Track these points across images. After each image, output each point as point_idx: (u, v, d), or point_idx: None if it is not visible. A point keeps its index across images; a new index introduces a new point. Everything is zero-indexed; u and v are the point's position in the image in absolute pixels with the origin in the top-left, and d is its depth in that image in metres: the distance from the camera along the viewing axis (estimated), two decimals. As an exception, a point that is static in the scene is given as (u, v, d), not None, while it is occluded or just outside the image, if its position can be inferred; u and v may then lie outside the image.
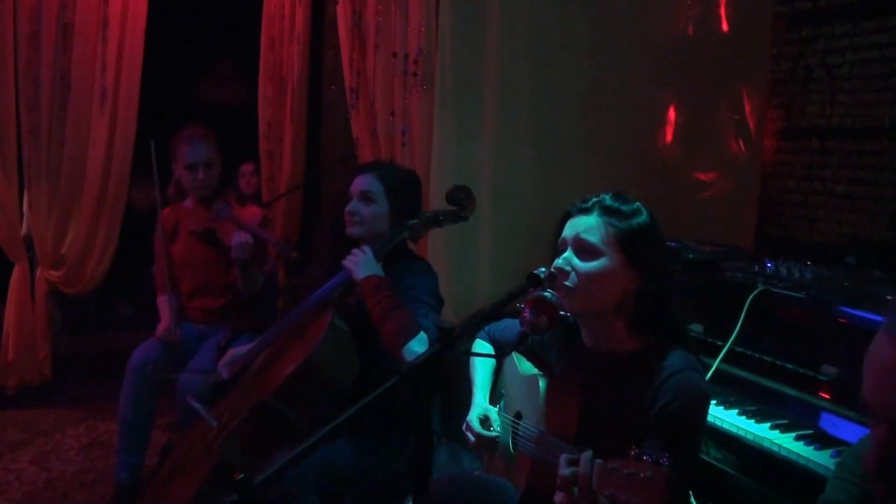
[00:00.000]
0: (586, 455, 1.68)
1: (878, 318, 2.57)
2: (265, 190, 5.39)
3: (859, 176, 4.16)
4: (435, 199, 3.40)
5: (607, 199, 2.12)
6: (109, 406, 4.37)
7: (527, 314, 1.99)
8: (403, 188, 3.06)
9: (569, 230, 2.13)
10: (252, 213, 3.93)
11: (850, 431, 2.51)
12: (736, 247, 3.67)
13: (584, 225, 2.09)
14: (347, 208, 2.99)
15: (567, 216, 2.18)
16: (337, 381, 2.82)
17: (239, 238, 3.58)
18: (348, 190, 3.04)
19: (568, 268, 2.06)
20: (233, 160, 5.69)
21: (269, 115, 5.23)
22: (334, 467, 2.72)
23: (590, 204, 2.13)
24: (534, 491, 2.17)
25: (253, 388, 2.95)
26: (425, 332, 2.66)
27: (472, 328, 1.81)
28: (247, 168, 5.84)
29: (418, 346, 2.63)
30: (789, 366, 2.74)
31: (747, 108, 4.41)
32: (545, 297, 1.99)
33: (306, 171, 5.27)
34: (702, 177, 4.34)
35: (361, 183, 3.01)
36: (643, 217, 2.11)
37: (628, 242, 2.06)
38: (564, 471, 1.71)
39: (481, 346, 2.63)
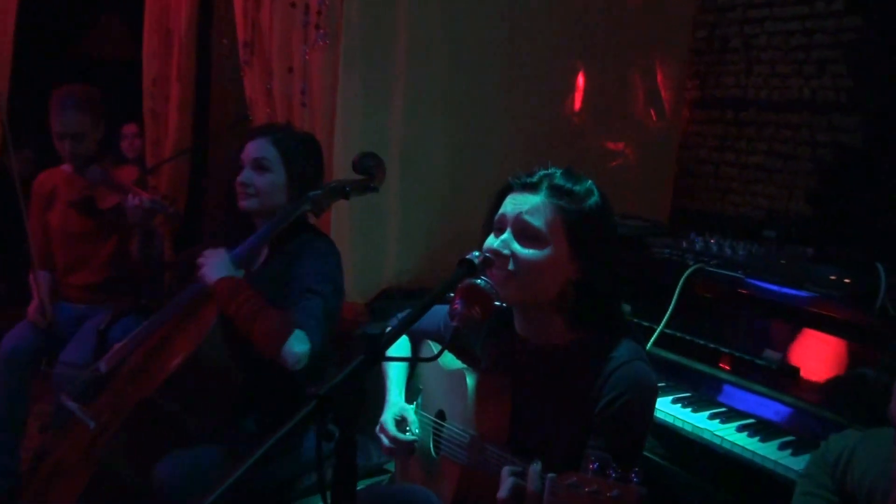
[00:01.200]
0: (534, 468, 1.45)
1: (820, 298, 2.49)
2: (149, 154, 4.98)
3: (776, 148, 4.10)
4: (338, 168, 3.10)
5: (557, 177, 1.86)
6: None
7: (458, 305, 1.71)
8: (302, 154, 2.74)
9: (510, 207, 1.86)
10: (127, 173, 3.62)
11: (794, 419, 2.40)
12: (657, 221, 3.55)
13: (529, 205, 1.83)
14: (239, 178, 2.67)
15: (507, 189, 1.91)
16: (227, 373, 2.55)
17: (133, 202, 3.25)
18: (239, 157, 2.71)
19: (507, 251, 1.81)
20: (119, 120, 5.31)
21: (154, 71, 4.81)
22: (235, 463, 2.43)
23: (536, 179, 1.86)
24: (464, 502, 1.92)
25: (135, 383, 2.64)
26: (302, 326, 2.38)
27: (400, 332, 1.53)
28: (129, 129, 5.44)
29: (297, 345, 2.35)
30: (726, 350, 2.60)
31: (663, 78, 4.34)
32: (478, 286, 1.72)
33: (194, 135, 4.88)
34: (615, 146, 4.27)
35: (254, 149, 2.69)
36: (595, 199, 1.86)
37: (576, 229, 1.82)
38: (507, 487, 1.47)
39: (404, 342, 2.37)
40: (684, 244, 3.05)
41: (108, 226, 3.50)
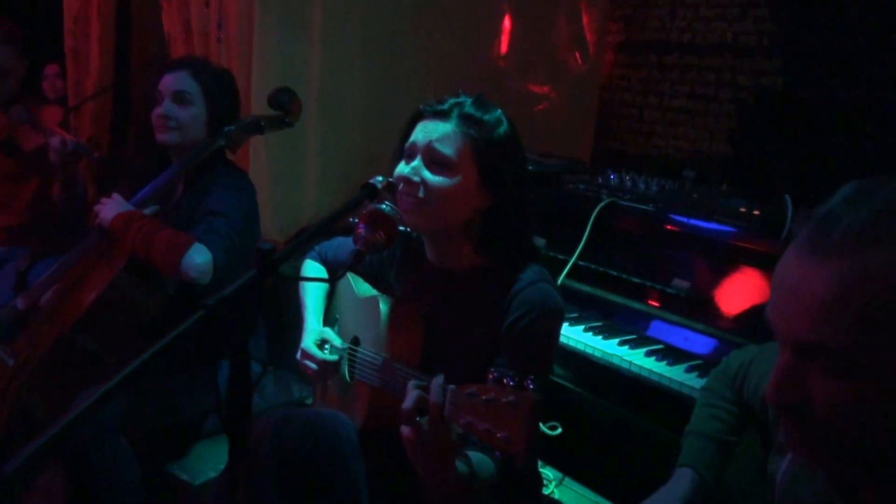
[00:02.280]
0: (437, 380, 1.49)
1: (729, 229, 2.53)
2: (71, 94, 4.85)
3: (698, 91, 4.15)
4: (256, 105, 3.07)
5: (468, 105, 1.89)
6: None
7: (361, 230, 1.74)
8: (221, 89, 2.73)
9: (420, 135, 1.88)
10: (51, 112, 3.55)
11: (701, 345, 2.46)
12: (576, 159, 3.57)
13: (439, 133, 1.85)
14: (159, 111, 2.63)
15: (418, 116, 1.93)
16: (144, 308, 2.53)
17: (54, 142, 3.15)
18: (157, 90, 2.66)
19: (417, 178, 1.84)
20: (39, 60, 5.15)
21: (74, 10, 4.68)
22: (138, 401, 2.44)
23: (447, 107, 1.89)
24: (374, 422, 1.97)
25: (53, 319, 2.60)
26: (201, 240, 2.39)
27: (296, 249, 1.54)
28: (51, 69, 5.25)
29: (197, 256, 2.36)
30: (636, 280, 2.66)
31: (586, 20, 4.33)
32: (382, 211, 1.75)
33: (115, 74, 4.77)
34: (538, 89, 4.27)
35: (174, 82, 2.65)
36: (504, 128, 1.90)
37: (485, 158, 1.85)
38: (411, 398, 1.51)
39: (312, 267, 2.38)
40: (600, 180, 3.09)
41: (31, 167, 3.44)
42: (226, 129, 2.62)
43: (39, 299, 2.69)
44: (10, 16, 3.65)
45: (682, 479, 1.73)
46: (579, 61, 4.36)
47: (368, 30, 3.41)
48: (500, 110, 1.93)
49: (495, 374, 1.39)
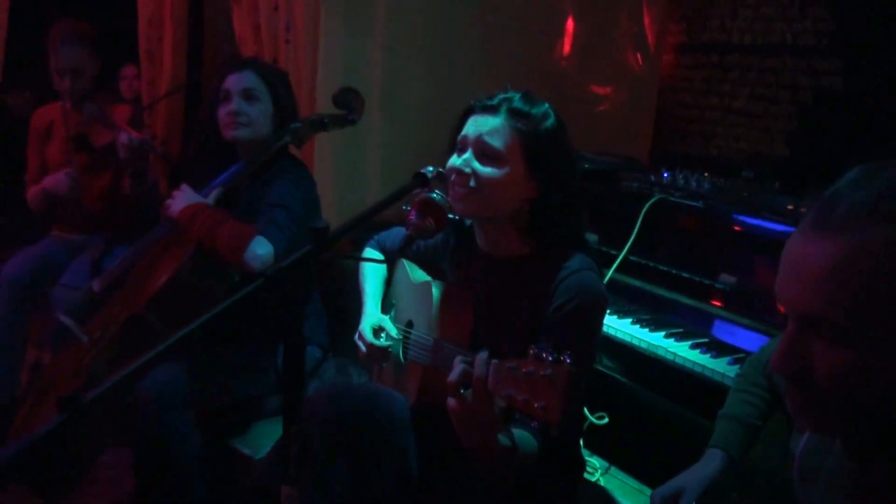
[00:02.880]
0: (481, 356, 1.57)
1: (777, 226, 2.56)
2: (145, 94, 5.05)
3: (758, 92, 4.14)
4: (321, 103, 3.18)
5: (516, 100, 1.98)
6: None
7: (412, 216, 1.86)
8: (283, 86, 2.86)
9: (471, 128, 1.99)
10: (121, 111, 3.68)
11: (746, 339, 2.50)
12: (632, 158, 3.62)
13: (489, 126, 1.96)
14: (230, 108, 2.75)
15: (469, 111, 2.04)
16: (209, 293, 2.66)
17: (122, 139, 3.30)
18: (221, 89, 2.79)
19: (468, 169, 1.94)
20: (115, 60, 5.32)
21: (148, 12, 4.87)
22: (203, 380, 2.58)
23: (496, 102, 1.99)
24: (425, 399, 2.07)
25: (125, 301, 2.76)
26: (262, 232, 2.53)
27: (350, 228, 1.64)
28: (128, 71, 5.45)
29: (259, 248, 2.51)
30: (685, 274, 2.71)
31: (647, 21, 4.34)
32: (432, 199, 1.86)
33: (188, 74, 4.95)
34: (598, 89, 4.28)
35: (242, 80, 2.78)
36: (551, 121, 1.99)
37: (533, 150, 1.95)
38: (457, 372, 1.60)
39: (371, 254, 2.50)
40: (653, 178, 3.14)
41: (102, 162, 3.56)
42: (292, 125, 2.73)
43: (114, 282, 2.85)
44: (89, 18, 3.79)
45: (712, 459, 1.81)
46: (640, 62, 4.38)
47: (430, 31, 3.49)
48: (547, 104, 2.02)
49: (535, 349, 1.48)
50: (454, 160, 1.98)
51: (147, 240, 2.82)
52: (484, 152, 1.94)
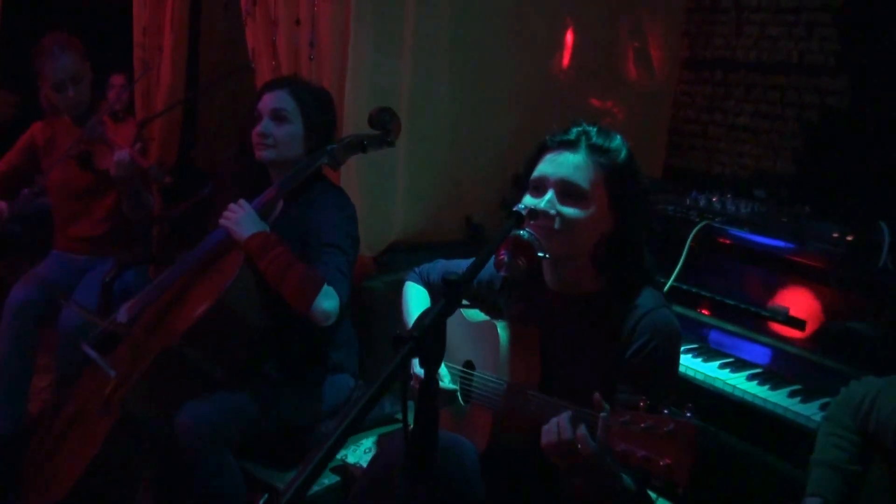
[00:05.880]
0: (603, 416, 1.53)
1: (823, 255, 2.57)
2: (139, 106, 4.91)
3: (763, 110, 4.17)
4: (349, 123, 3.11)
5: (594, 134, 1.92)
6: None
7: (504, 256, 1.79)
8: (318, 107, 2.78)
9: (550, 168, 1.92)
10: (126, 133, 3.63)
11: (800, 370, 2.49)
12: (654, 178, 3.61)
13: (572, 164, 1.89)
14: (258, 129, 2.68)
15: (544, 148, 1.96)
16: (250, 321, 2.57)
17: (119, 155, 3.27)
18: (256, 108, 2.73)
19: (553, 211, 1.87)
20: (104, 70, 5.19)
21: (144, 21, 4.73)
22: (250, 413, 2.52)
23: (574, 136, 1.92)
24: (496, 446, 1.99)
25: (156, 332, 2.64)
26: (331, 282, 2.44)
27: (471, 277, 1.57)
28: (118, 79, 5.31)
29: (326, 302, 2.42)
30: (733, 302, 2.68)
31: (654, 38, 4.35)
32: (523, 238, 1.80)
33: (187, 87, 4.82)
34: (608, 106, 4.27)
35: (273, 100, 2.71)
36: (625, 152, 1.94)
37: (615, 184, 1.90)
38: (567, 430, 1.56)
39: (414, 289, 2.44)
40: (687, 202, 3.12)
41: (106, 183, 3.48)
42: (329, 147, 2.66)
43: (142, 311, 2.74)
44: (80, 26, 3.69)
45: None
46: (647, 78, 4.38)
47: (457, 49, 3.44)
48: (619, 136, 1.97)
49: (644, 400, 1.43)
50: (534, 201, 1.90)
51: (179, 265, 2.70)
52: (568, 192, 1.88)
